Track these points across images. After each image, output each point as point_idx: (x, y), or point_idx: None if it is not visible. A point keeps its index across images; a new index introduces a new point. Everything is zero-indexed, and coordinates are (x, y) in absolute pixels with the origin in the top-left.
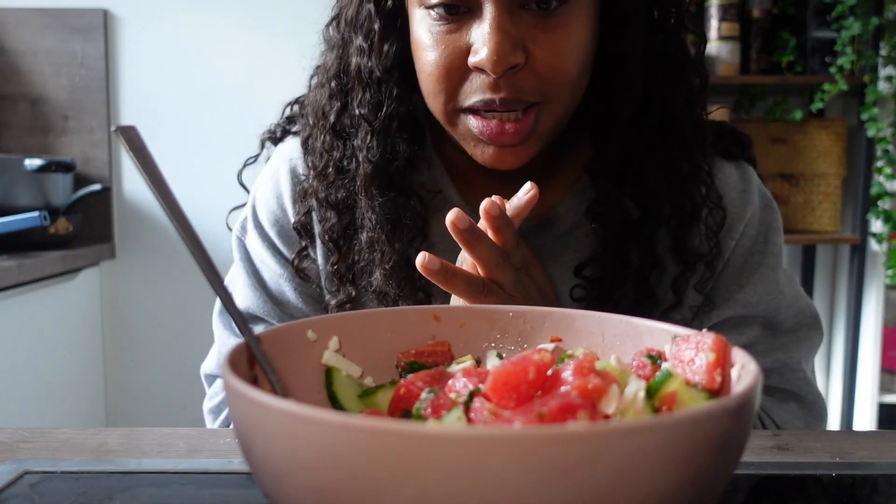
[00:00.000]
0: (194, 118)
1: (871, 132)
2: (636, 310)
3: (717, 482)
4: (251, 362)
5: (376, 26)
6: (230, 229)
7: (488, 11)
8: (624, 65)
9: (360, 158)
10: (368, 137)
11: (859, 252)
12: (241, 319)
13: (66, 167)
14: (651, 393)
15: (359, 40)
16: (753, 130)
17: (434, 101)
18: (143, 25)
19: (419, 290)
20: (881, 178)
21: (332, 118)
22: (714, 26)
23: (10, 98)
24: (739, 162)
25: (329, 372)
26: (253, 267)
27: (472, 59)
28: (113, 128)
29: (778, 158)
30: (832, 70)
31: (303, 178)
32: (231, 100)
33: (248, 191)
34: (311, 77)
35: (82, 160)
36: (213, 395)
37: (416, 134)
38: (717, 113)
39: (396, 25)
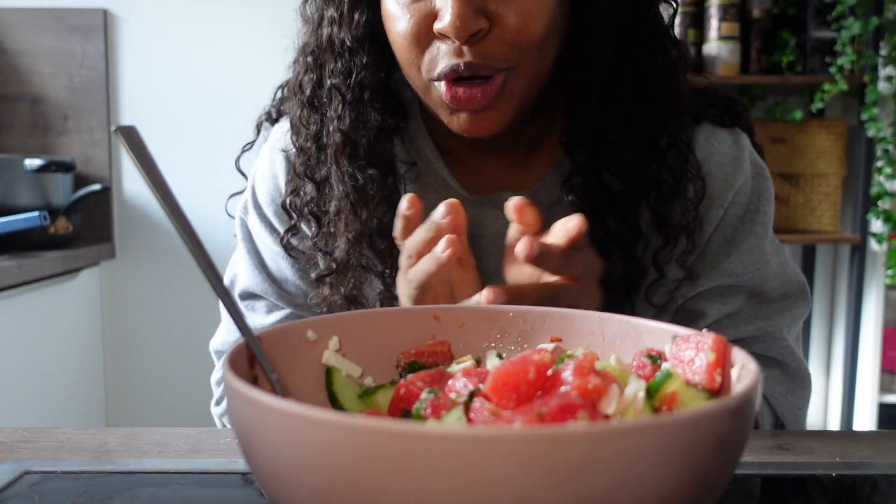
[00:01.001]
0: (194, 118)
1: (870, 132)
2: (625, 283)
3: (717, 482)
4: (251, 362)
5: None
6: (230, 216)
7: None
8: (594, 31)
9: (332, 129)
10: (340, 107)
11: (859, 252)
12: (240, 319)
13: (66, 167)
14: (651, 393)
15: (330, 11)
16: None
17: (408, 71)
18: (142, 25)
19: (382, 260)
20: (881, 178)
21: (307, 91)
22: (714, 26)
23: (10, 98)
24: (733, 129)
25: (329, 372)
26: (254, 247)
27: (437, 26)
28: (113, 127)
29: (778, 158)
30: (832, 70)
31: (292, 156)
32: (230, 100)
33: (245, 177)
34: (295, 61)
35: (82, 160)
36: (220, 369)
37: (390, 105)
38: None
39: None
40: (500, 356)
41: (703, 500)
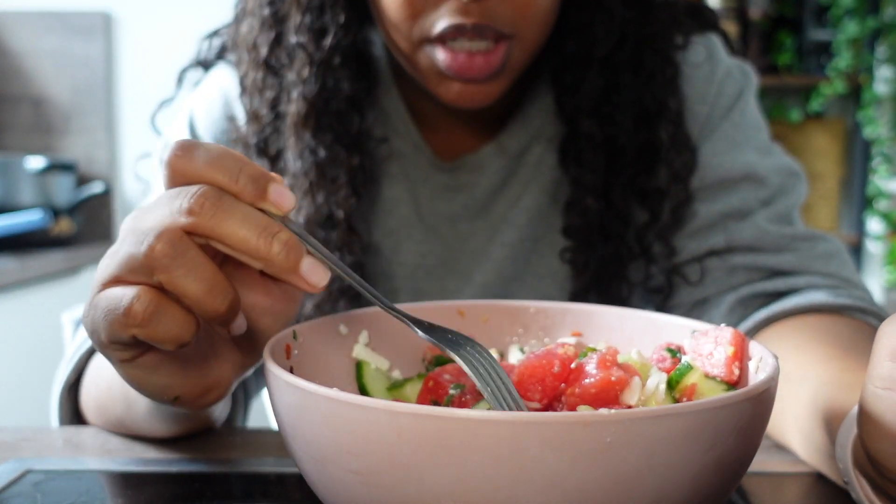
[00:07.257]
0: None
1: (867, 133)
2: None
3: (738, 468)
4: (288, 353)
5: None
6: (141, 179)
7: None
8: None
9: (295, 95)
10: (306, 70)
11: (857, 252)
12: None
13: (67, 167)
14: (672, 385)
15: None
16: None
17: (397, 31)
18: (143, 28)
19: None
20: (878, 179)
21: (263, 51)
22: None
23: (12, 98)
24: (705, 35)
25: (359, 365)
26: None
27: None
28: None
29: None
30: (829, 71)
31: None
32: None
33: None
34: (237, 5)
35: (84, 160)
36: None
37: (361, 72)
38: None
39: None
40: (521, 350)
41: (724, 486)
